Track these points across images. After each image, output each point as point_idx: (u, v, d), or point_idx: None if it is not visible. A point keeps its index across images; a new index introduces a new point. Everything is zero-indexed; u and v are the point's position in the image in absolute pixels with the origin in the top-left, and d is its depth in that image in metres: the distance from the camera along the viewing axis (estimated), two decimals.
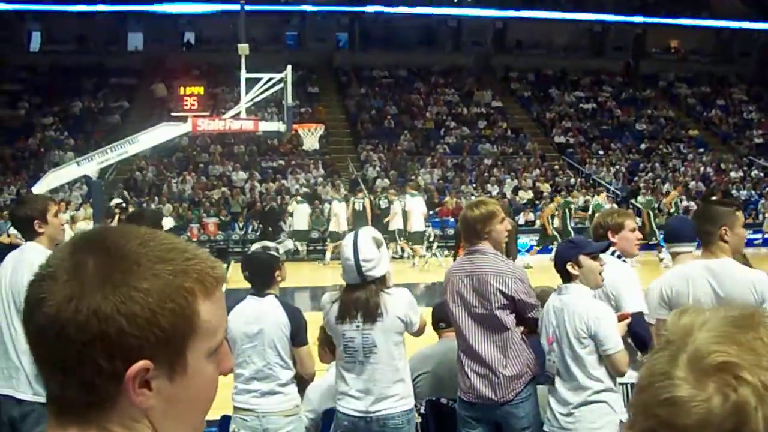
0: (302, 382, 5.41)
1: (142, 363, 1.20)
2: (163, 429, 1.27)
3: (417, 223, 22.73)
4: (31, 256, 5.11)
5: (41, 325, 1.21)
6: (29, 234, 5.34)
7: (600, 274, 4.86)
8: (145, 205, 26.33)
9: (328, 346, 5.73)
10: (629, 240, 5.49)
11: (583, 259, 4.82)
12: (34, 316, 1.21)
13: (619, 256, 5.36)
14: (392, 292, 4.98)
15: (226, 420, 5.34)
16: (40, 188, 16.70)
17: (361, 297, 4.87)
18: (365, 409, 4.92)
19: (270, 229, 25.00)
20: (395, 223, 23.57)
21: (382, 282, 4.96)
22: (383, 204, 25.64)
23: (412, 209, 22.82)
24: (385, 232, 21.47)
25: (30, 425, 4.88)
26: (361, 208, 23.79)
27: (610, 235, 5.39)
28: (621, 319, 4.85)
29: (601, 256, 4.94)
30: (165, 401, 1.25)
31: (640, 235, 5.92)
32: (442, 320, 5.95)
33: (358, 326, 4.88)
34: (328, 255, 23.46)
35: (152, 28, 40.82)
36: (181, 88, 19.23)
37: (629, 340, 4.90)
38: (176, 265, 1.25)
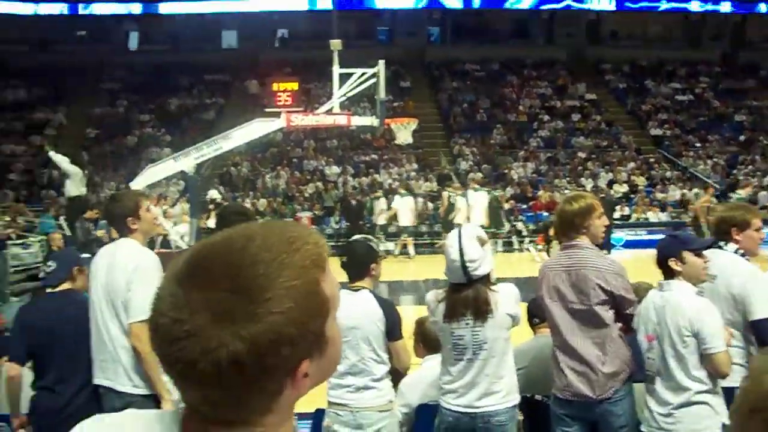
0: (396, 376, 5.40)
1: (305, 365, 1.25)
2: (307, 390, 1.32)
3: (478, 218, 22.59)
4: (125, 254, 5.18)
5: (203, 382, 1.21)
6: (123, 230, 5.33)
7: (704, 270, 4.73)
8: (239, 200, 26.70)
9: (423, 341, 5.72)
10: (753, 239, 5.30)
11: (686, 255, 4.69)
12: (193, 375, 1.21)
13: (742, 254, 5.19)
14: (499, 289, 4.94)
15: (319, 413, 5.35)
16: (138, 184, 17.04)
17: (469, 296, 4.85)
18: (470, 404, 4.90)
19: (361, 223, 25.11)
20: (459, 218, 23.50)
21: (487, 279, 4.92)
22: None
23: (474, 204, 22.69)
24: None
25: None
26: (455, 202, 23.77)
27: (734, 232, 5.23)
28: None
29: (724, 253, 4.80)
30: (315, 375, 1.29)
31: (763, 235, 5.70)
32: (536, 316, 5.89)
33: (467, 324, 4.86)
34: (397, 249, 23.96)
35: (246, 26, 41.32)
36: (275, 85, 19.46)
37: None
38: (295, 264, 1.26)
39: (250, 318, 1.19)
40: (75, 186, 19.50)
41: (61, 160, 20.39)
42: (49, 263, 5.55)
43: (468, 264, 4.81)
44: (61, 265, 5.55)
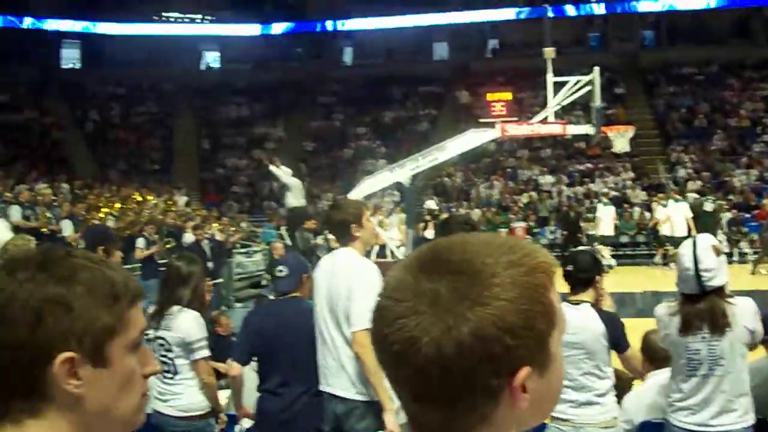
0: (620, 391, 5.26)
1: (524, 371, 1.20)
2: (527, 424, 1.27)
3: (678, 229, 21.77)
4: (345, 263, 5.23)
5: (421, 365, 1.19)
6: (345, 238, 5.35)
7: None
8: (454, 210, 26.87)
9: (649, 356, 5.53)
10: None
11: None
12: (409, 359, 1.20)
13: None
14: (737, 302, 4.72)
15: (540, 427, 5.27)
16: (355, 195, 17.40)
17: (703, 308, 4.65)
18: (704, 422, 4.69)
19: (578, 234, 24.68)
20: (665, 229, 22.75)
21: (722, 291, 4.71)
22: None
23: (672, 214, 21.90)
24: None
25: (354, 420, 5.05)
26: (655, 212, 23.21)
27: None
28: None
29: None
30: (533, 398, 1.23)
31: None
32: None
33: (704, 338, 4.65)
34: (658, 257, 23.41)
35: (457, 37, 41.62)
36: (489, 95, 19.46)
37: None
38: (523, 265, 1.23)
39: (476, 302, 1.18)
40: (295, 197, 20.16)
41: (282, 174, 21.14)
42: (281, 268, 5.65)
43: (702, 274, 4.61)
44: (293, 272, 5.67)
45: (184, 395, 5.51)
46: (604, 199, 25.53)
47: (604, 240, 24.17)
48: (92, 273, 1.37)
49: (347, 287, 5.06)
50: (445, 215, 19.52)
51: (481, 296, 1.18)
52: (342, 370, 5.10)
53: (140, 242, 16.68)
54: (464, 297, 1.19)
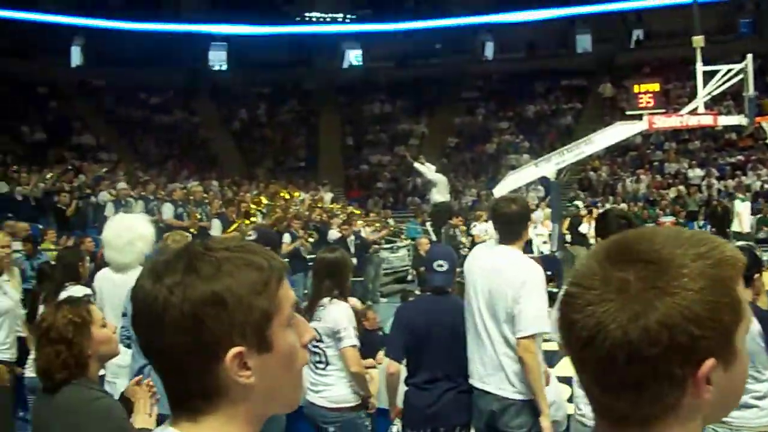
0: None
1: (710, 363, 1.20)
2: (712, 418, 1.29)
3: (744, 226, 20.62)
4: (512, 264, 5.17)
5: (607, 351, 1.21)
6: (511, 236, 5.27)
7: None
8: (599, 205, 26.41)
9: None
10: None
11: None
12: (596, 345, 1.22)
13: None
14: None
15: None
16: (500, 190, 17.35)
17: None
18: None
19: (726, 230, 23.79)
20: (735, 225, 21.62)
21: None
22: None
23: (741, 212, 20.78)
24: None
25: (509, 417, 5.05)
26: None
27: None
28: None
29: None
30: (718, 392, 1.23)
31: None
32: None
33: None
34: None
35: (600, 29, 40.82)
36: (635, 86, 19.06)
37: None
38: (711, 257, 1.25)
39: (664, 291, 1.19)
40: (440, 193, 20.23)
41: (426, 170, 21.24)
42: (441, 263, 5.58)
43: None
44: (451, 267, 5.65)
45: (335, 386, 5.60)
46: (741, 195, 24.55)
47: (742, 237, 23.26)
48: (236, 263, 1.39)
49: (514, 289, 5.00)
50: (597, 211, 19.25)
51: (669, 286, 1.20)
52: (499, 369, 5.08)
53: (287, 237, 16.93)
54: (652, 286, 1.21)
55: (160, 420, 5.59)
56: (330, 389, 5.62)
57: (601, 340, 1.21)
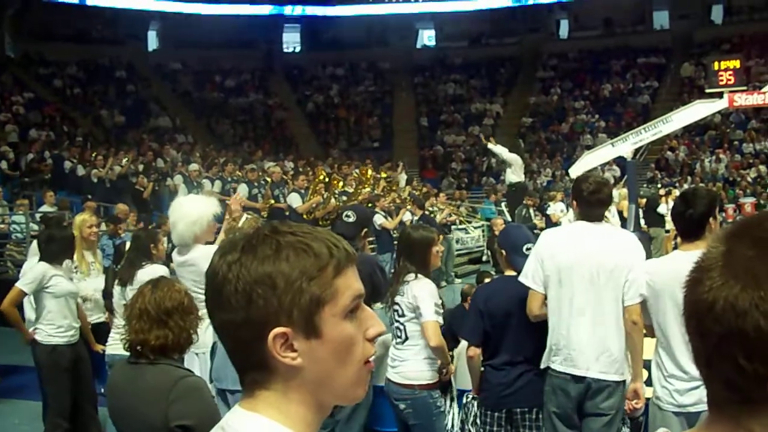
0: None
1: None
2: None
3: None
4: (619, 238, 5.22)
5: (727, 333, 1.17)
6: (598, 215, 5.29)
7: None
8: (677, 185, 26.00)
9: None
10: None
11: None
12: (719, 325, 1.19)
13: None
14: None
15: None
16: (576, 170, 17.16)
17: None
18: None
19: None
20: None
21: None
22: None
23: None
24: None
25: (601, 399, 5.01)
26: None
27: None
28: None
29: None
30: None
31: None
32: None
33: None
34: None
35: (678, 4, 39.98)
36: (715, 63, 18.62)
37: None
38: None
39: (748, 273, 1.15)
40: (515, 173, 20.11)
41: (501, 151, 21.12)
42: (529, 245, 5.51)
43: None
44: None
45: (409, 362, 5.58)
46: None
47: None
48: (295, 248, 1.41)
49: (628, 257, 5.01)
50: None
51: (759, 273, 1.15)
52: (600, 351, 5.01)
53: (378, 218, 16.81)
54: (748, 267, 1.17)
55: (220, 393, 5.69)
56: (404, 364, 5.60)
57: (721, 321, 1.17)
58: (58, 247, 7.32)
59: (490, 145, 21.84)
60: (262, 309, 1.38)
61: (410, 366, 5.59)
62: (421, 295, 5.48)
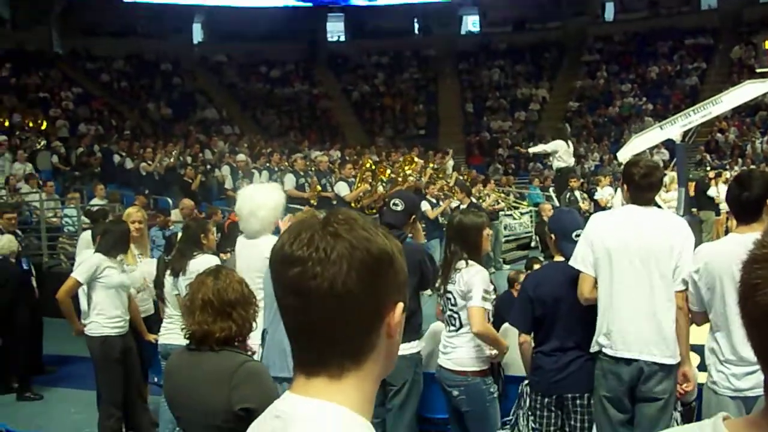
0: None
1: None
2: None
3: None
4: (671, 221, 5.21)
5: (750, 311, 1.18)
6: (650, 199, 5.27)
7: None
8: (727, 168, 25.65)
9: None
10: None
11: None
12: (748, 302, 1.19)
13: None
14: None
15: None
16: (624, 154, 16.98)
17: None
18: None
19: None
20: None
21: None
22: None
23: None
24: None
25: (655, 383, 4.98)
26: None
27: None
28: None
29: None
30: None
31: None
32: None
33: None
34: None
35: None
36: (765, 43, 18.38)
37: None
38: None
39: None
40: (560, 160, 19.90)
41: (542, 149, 20.92)
42: (579, 232, 5.45)
43: None
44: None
45: (462, 348, 5.59)
46: None
47: None
48: (380, 229, 1.46)
49: (679, 242, 4.99)
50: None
51: None
52: (656, 333, 4.99)
53: (425, 204, 16.75)
54: None
55: None
56: (457, 351, 5.61)
57: (750, 301, 1.18)
58: (112, 239, 7.50)
59: (531, 150, 21.65)
60: (388, 286, 1.42)
61: (463, 353, 5.61)
62: (472, 281, 5.48)
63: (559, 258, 5.60)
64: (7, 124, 24.21)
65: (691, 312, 4.89)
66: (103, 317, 7.35)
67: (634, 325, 5.03)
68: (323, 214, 1.49)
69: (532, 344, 5.59)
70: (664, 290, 4.98)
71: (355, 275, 1.37)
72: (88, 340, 7.41)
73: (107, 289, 7.36)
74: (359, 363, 1.42)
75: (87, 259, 7.56)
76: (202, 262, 6.14)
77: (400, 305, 1.43)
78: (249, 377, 3.43)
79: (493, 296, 5.77)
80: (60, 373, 10.61)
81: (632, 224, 5.11)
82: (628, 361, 5.05)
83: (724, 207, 17.50)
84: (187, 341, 3.66)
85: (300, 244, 1.40)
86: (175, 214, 15.07)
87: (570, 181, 19.42)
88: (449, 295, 5.62)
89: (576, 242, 5.34)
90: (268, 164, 20.13)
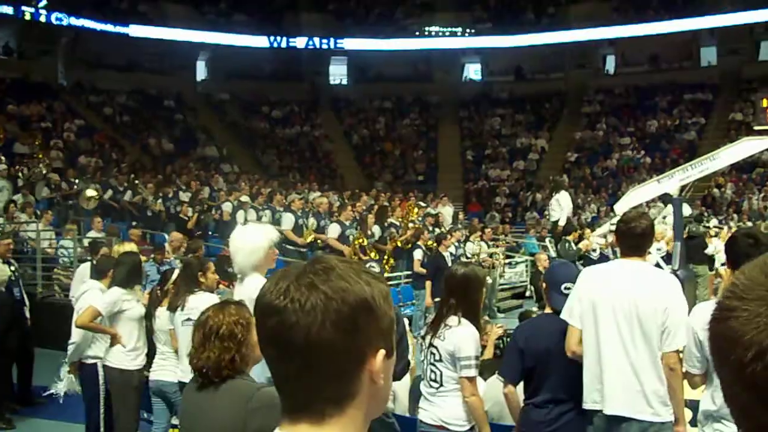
0: None
1: None
2: None
3: None
4: (655, 277, 5.16)
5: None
6: (641, 251, 5.23)
7: None
8: (723, 223, 25.68)
9: None
10: None
11: None
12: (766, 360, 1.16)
13: None
14: None
15: None
16: (621, 207, 16.98)
17: None
18: None
19: None
20: None
21: None
22: None
23: None
24: None
25: None
26: None
27: None
28: None
29: None
30: None
31: None
32: None
33: None
34: None
35: (726, 41, 39.58)
36: (764, 101, 18.51)
37: None
38: None
39: None
40: (562, 215, 19.83)
41: (559, 210, 20.38)
42: (569, 285, 5.44)
43: None
44: None
45: (444, 407, 5.48)
46: None
47: None
48: (368, 274, 1.48)
49: (665, 301, 4.94)
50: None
51: None
52: (640, 393, 4.96)
53: (418, 253, 16.73)
54: None
55: None
56: (438, 409, 5.51)
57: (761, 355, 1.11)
58: (126, 270, 7.55)
59: (554, 215, 20.89)
60: (366, 333, 1.42)
61: (446, 412, 5.49)
62: (462, 345, 5.38)
63: (550, 309, 5.58)
64: (8, 152, 24.24)
65: (688, 374, 4.82)
66: (124, 349, 7.41)
67: (612, 380, 5.02)
68: (305, 262, 1.52)
69: (517, 395, 5.54)
70: (647, 349, 4.96)
71: (330, 325, 1.39)
72: (107, 371, 7.52)
73: (131, 321, 7.42)
74: (342, 408, 1.44)
75: (109, 292, 7.59)
76: (201, 299, 6.16)
77: (381, 352, 1.44)
78: (265, 403, 3.45)
79: (480, 359, 5.69)
80: (48, 406, 10.49)
81: (620, 280, 5.11)
82: (611, 418, 5.05)
83: (719, 261, 17.55)
84: (197, 372, 3.70)
85: (277, 294, 1.43)
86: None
87: (571, 233, 19.43)
88: (434, 350, 5.50)
89: (565, 295, 5.35)
90: (270, 204, 20.14)
